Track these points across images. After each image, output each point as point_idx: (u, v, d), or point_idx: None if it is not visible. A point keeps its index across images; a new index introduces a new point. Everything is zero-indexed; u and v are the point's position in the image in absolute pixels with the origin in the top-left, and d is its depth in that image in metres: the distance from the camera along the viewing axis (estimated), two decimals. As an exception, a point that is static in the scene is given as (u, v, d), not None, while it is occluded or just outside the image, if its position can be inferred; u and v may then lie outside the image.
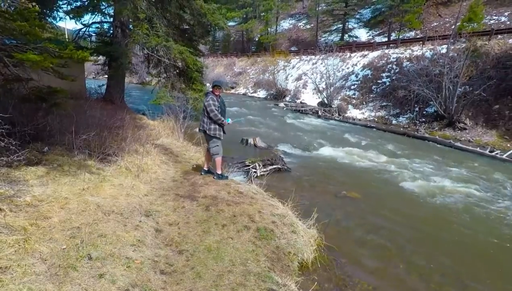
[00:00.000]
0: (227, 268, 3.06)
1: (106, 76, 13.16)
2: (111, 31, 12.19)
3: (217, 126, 5.11)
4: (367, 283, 3.59)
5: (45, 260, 2.52)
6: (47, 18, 10.76)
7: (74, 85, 6.73)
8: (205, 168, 5.64)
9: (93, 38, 13.16)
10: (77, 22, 11.54)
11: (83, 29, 12.10)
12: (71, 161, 4.46)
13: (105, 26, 12.90)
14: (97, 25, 12.66)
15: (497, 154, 9.94)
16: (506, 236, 4.84)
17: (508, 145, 11.04)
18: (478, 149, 10.49)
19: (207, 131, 5.11)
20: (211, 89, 5.20)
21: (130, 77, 28.83)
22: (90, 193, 3.82)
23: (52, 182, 3.77)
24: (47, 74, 4.35)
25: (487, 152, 10.17)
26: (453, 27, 20.56)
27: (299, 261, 3.66)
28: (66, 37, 17.17)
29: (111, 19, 11.90)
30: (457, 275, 3.85)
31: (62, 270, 2.47)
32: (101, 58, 13.48)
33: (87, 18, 29.30)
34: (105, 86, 12.49)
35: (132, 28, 11.04)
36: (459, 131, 12.78)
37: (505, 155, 9.69)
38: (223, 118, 5.07)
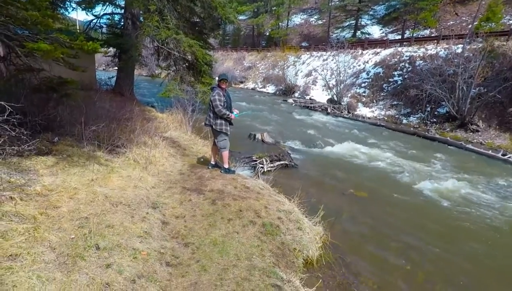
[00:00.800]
0: (232, 262, 3.07)
1: (116, 68, 13.25)
2: (122, 23, 12.24)
3: (223, 121, 5.09)
4: (372, 281, 3.57)
5: (54, 249, 2.56)
6: (59, 8, 10.83)
7: (85, 77, 6.80)
8: (212, 162, 5.65)
9: (104, 30, 13.24)
10: (88, 13, 11.62)
11: (94, 20, 12.18)
12: (80, 152, 4.51)
13: (116, 17, 12.96)
14: (108, 16, 12.72)
15: (509, 157, 9.71)
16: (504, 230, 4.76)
17: (522, 148, 10.77)
18: (490, 152, 10.26)
19: (213, 126, 5.10)
20: (217, 83, 5.17)
21: (140, 70, 28.99)
22: (98, 183, 3.86)
23: (61, 172, 3.82)
24: (58, 65, 4.39)
25: (499, 155, 9.95)
26: (470, 26, 20.02)
27: (304, 257, 3.66)
28: (78, 28, 17.29)
29: (122, 11, 11.95)
30: (464, 276, 3.79)
31: (71, 259, 2.51)
32: (112, 50, 13.56)
33: (98, 9, 29.51)
34: (115, 78, 12.58)
35: (142, 20, 11.05)
36: (471, 133, 12.51)
37: (518, 159, 9.47)
38: (228, 113, 5.01)
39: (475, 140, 11.97)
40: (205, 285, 2.72)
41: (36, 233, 2.63)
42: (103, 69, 26.05)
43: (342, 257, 3.98)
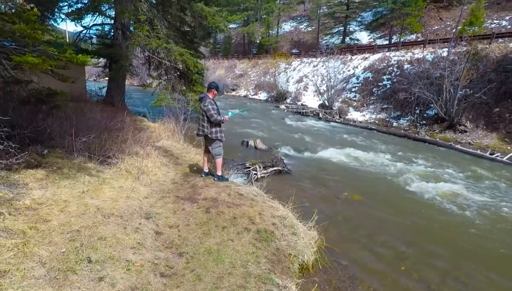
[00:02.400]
0: (227, 270, 3.04)
1: (107, 78, 13.18)
2: (112, 33, 12.23)
3: (218, 128, 5.11)
4: (367, 285, 3.57)
5: (44, 264, 2.51)
6: (48, 19, 10.79)
7: (75, 88, 6.74)
8: (205, 170, 5.63)
9: (94, 40, 13.20)
10: (77, 24, 11.53)
11: (84, 31, 12.15)
12: (71, 164, 4.46)
13: (106, 28, 12.94)
14: (98, 27, 12.70)
15: (497, 156, 9.91)
16: (499, 234, 4.82)
17: (509, 148, 11.01)
18: (478, 151, 10.47)
19: (208, 135, 5.09)
20: (206, 92, 5.15)
21: (131, 80, 28.93)
22: (90, 195, 3.81)
23: (51, 184, 3.77)
24: (47, 76, 4.35)
25: (487, 154, 10.14)
26: (454, 30, 20.57)
27: (299, 263, 3.64)
28: (67, 39, 17.21)
29: (112, 21, 11.94)
30: (457, 276, 3.82)
31: (62, 274, 2.46)
32: (102, 60, 13.51)
33: (88, 20, 29.43)
34: (105, 89, 12.51)
35: (133, 30, 11.07)
36: (459, 134, 12.75)
37: (505, 158, 9.67)
38: (222, 118, 5.04)
39: (463, 140, 12.19)
40: (200, 295, 2.68)
41: (26, 248, 2.57)
42: (94, 79, 25.91)
43: (338, 260, 3.98)
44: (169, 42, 10.19)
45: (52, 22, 11.25)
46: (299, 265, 3.64)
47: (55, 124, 5.05)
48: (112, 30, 12.13)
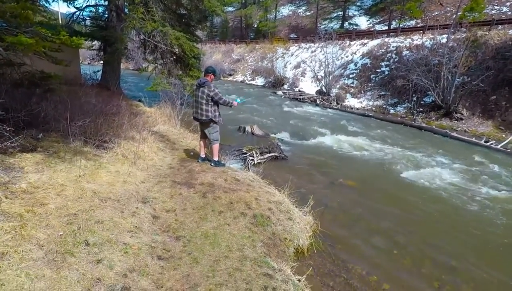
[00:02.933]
0: (223, 254, 3.09)
1: (102, 62, 12.95)
2: (106, 15, 11.94)
3: (219, 112, 5.13)
4: (361, 268, 3.67)
5: (42, 246, 2.53)
6: (40, 0, 10.47)
7: (69, 71, 6.62)
8: (202, 155, 5.63)
9: (88, 22, 12.88)
10: (70, 5, 11.22)
11: (77, 13, 11.84)
12: (66, 148, 4.43)
13: (100, 9, 12.66)
14: (92, 8, 12.40)
15: (491, 144, 10.00)
16: (488, 217, 4.93)
17: (503, 135, 11.10)
18: (473, 139, 10.55)
19: (213, 119, 5.05)
20: (205, 77, 5.03)
21: (126, 64, 28.46)
22: (86, 179, 3.81)
23: (47, 168, 3.75)
24: (40, 59, 4.27)
25: (482, 142, 10.23)
26: (454, 16, 20.31)
27: (294, 247, 3.72)
28: (60, 21, 16.77)
29: (106, 2, 11.64)
30: (449, 260, 3.93)
31: (60, 256, 2.48)
32: (96, 43, 13.23)
33: (81, 1, 28.64)
34: (100, 72, 12.31)
35: (127, 12, 10.79)
36: (455, 121, 12.81)
37: (499, 145, 9.77)
38: (231, 102, 5.11)
39: (459, 128, 12.26)
40: (197, 277, 2.74)
41: (23, 231, 2.59)
42: (88, 63, 25.41)
43: (332, 245, 4.06)
44: (165, 25, 9.98)
45: (44, 2, 10.92)
46: (294, 249, 3.71)
47: (49, 108, 4.99)
48: (106, 12, 11.84)
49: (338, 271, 3.57)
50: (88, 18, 12.65)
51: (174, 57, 11.80)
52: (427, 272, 3.70)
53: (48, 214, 2.92)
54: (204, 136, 5.42)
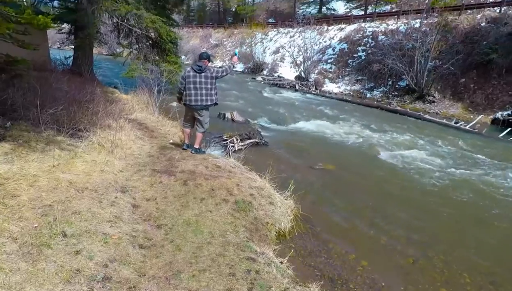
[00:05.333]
0: (206, 240, 3.11)
1: (72, 46, 12.27)
2: (76, -4, 11.25)
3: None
4: (340, 247, 3.80)
5: (16, 239, 2.44)
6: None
7: (37, 55, 6.25)
8: (187, 142, 5.54)
9: (56, 4, 12.11)
10: (35, -15, 10.48)
11: (43, -7, 11.08)
12: (38, 137, 4.23)
13: (68, -10, 11.86)
14: (59, -11, 11.62)
15: (461, 125, 10.53)
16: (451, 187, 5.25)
17: (471, 117, 11.68)
18: (444, 121, 11.04)
19: (216, 102, 5.16)
20: (204, 63, 4.99)
21: (100, 48, 27.06)
22: (61, 169, 3.66)
23: (18, 159, 3.58)
24: (5, 41, 3.98)
25: (452, 123, 10.75)
26: (426, 1, 20.73)
27: (276, 230, 3.79)
28: (24, 1, 15.65)
29: (75, -17, 10.95)
30: (421, 236, 4.15)
31: (35, 248, 2.41)
32: (66, 26, 12.48)
33: (47, -19, 26.75)
34: (71, 58, 11.68)
35: (98, -7, 10.21)
36: (428, 104, 13.31)
37: (468, 126, 10.31)
38: (231, 63, 5.52)
39: (431, 110, 12.77)
40: (180, 264, 2.74)
41: (-5, 225, 2.48)
42: (58, 47, 23.91)
43: (313, 227, 4.17)
44: (140, 8, 9.56)
45: (5, -19, 10.13)
46: (276, 232, 3.78)
47: (17, 95, 4.71)
48: (75, -7, 11.14)
49: (319, 252, 3.69)
50: (55, -1, 11.89)
51: (150, 42, 11.39)
52: (402, 249, 3.89)
53: (20, 206, 2.81)
54: (191, 124, 5.34)
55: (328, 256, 3.64)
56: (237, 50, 5.25)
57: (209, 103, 5.07)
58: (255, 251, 3.06)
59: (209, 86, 4.97)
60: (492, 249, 4.06)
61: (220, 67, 5.03)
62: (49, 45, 12.36)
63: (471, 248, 4.02)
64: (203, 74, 4.91)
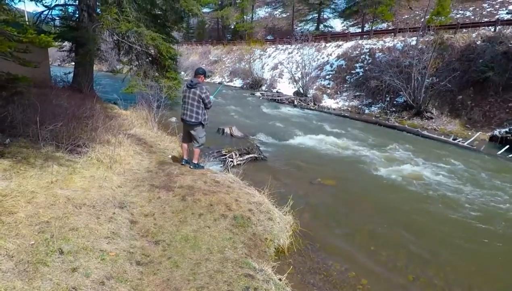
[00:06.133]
0: (204, 256, 3.07)
1: (73, 63, 12.46)
2: (77, 15, 11.50)
3: (207, 115, 5.17)
4: (339, 264, 3.76)
5: (12, 257, 2.41)
6: (4, -1, 9.92)
7: (38, 73, 6.33)
8: (185, 157, 5.55)
9: (57, 22, 12.36)
10: (38, 4, 10.69)
11: (45, 12, 11.34)
12: (37, 153, 4.24)
13: (70, 9, 12.16)
14: (61, 7, 11.89)
15: (459, 141, 10.58)
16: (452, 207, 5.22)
17: (469, 133, 11.76)
18: (442, 137, 11.10)
19: (202, 122, 5.06)
20: (198, 79, 5.02)
21: (100, 65, 27.53)
22: (59, 185, 3.66)
23: (16, 175, 3.57)
24: (6, 60, 4.05)
25: (450, 139, 10.79)
26: (422, 20, 21.27)
27: (275, 246, 3.75)
28: (26, 20, 15.98)
29: (76, 2, 11.22)
30: (422, 253, 4.11)
31: (32, 266, 2.37)
32: (67, 44, 12.71)
33: None
34: (72, 74, 11.84)
35: (100, 12, 10.47)
36: (426, 120, 13.42)
37: (466, 143, 10.34)
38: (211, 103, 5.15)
39: (429, 127, 12.86)
40: (178, 281, 2.70)
41: (-9, 242, 2.45)
42: (59, 64, 24.28)
43: (312, 243, 4.13)
44: (140, 26, 9.78)
45: (8, 0, 10.37)
46: (275, 248, 3.75)
47: (17, 112, 4.75)
48: (77, 12, 11.40)
49: (318, 269, 3.65)
50: (57, 18, 12.13)
51: (150, 58, 11.59)
52: (402, 266, 3.85)
53: (17, 223, 2.79)
54: (188, 139, 5.36)
55: (327, 273, 3.59)
56: (212, 97, 5.09)
57: (193, 120, 4.99)
58: (253, 267, 3.03)
59: (195, 103, 4.94)
60: (493, 267, 4.02)
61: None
62: (50, 63, 12.54)
63: (471, 265, 3.98)
64: (192, 89, 4.94)
